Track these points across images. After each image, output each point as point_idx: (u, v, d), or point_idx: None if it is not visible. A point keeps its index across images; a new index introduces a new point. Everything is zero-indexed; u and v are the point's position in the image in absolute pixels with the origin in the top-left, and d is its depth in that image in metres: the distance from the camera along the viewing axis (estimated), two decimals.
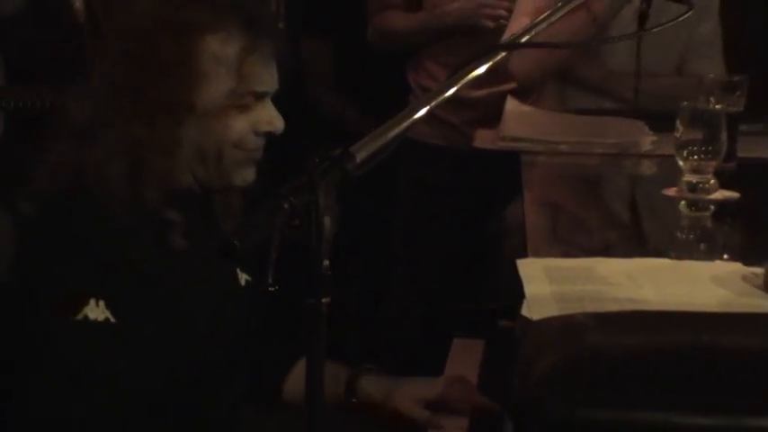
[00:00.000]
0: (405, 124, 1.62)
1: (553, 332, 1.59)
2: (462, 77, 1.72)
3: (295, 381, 2.38)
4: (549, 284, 1.86)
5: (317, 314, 1.44)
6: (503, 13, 3.73)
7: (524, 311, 1.76)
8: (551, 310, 1.72)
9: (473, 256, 3.41)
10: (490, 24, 3.75)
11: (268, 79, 2.15)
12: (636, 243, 2.36)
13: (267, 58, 2.13)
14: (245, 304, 2.28)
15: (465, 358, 2.56)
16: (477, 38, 3.70)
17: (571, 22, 3.18)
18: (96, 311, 2.01)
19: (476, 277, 2.79)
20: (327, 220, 1.44)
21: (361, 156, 1.53)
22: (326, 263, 1.44)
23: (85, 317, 2.00)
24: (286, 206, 1.43)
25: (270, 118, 2.15)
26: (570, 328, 1.59)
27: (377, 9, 4.07)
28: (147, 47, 2.07)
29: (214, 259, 2.10)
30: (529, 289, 1.84)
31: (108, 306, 2.01)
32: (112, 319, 2.02)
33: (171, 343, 2.10)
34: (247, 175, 2.16)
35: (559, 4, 1.92)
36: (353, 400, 2.33)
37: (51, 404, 2.03)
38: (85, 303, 2.00)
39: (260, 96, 2.14)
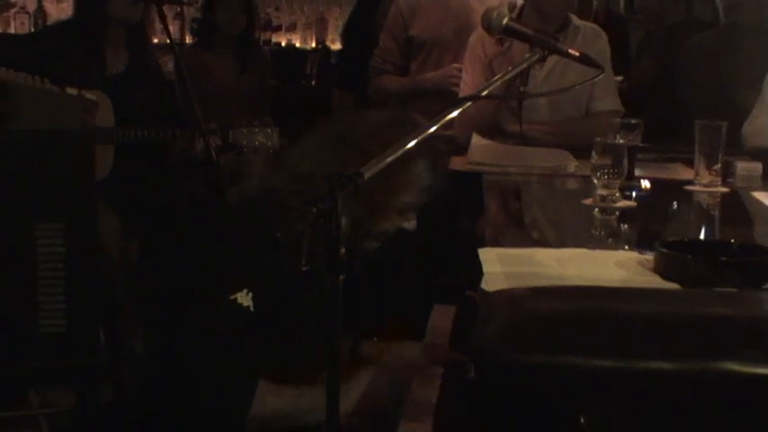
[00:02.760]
0: (398, 153, 1.63)
1: (503, 300, 1.60)
2: (439, 120, 1.72)
3: None
4: (501, 266, 1.87)
5: (335, 287, 1.45)
6: None
7: (483, 285, 1.77)
8: (502, 285, 1.73)
9: (448, 246, 3.42)
10: (456, 90, 3.76)
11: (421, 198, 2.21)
12: (562, 238, 2.36)
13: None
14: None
15: (442, 319, 2.56)
16: (447, 96, 3.72)
17: (477, 109, 3.21)
18: (244, 299, 1.97)
19: (450, 261, 2.80)
20: (343, 220, 1.45)
21: (368, 174, 1.54)
22: (342, 250, 1.45)
23: (235, 299, 1.97)
24: (314, 210, 1.45)
25: (414, 226, 2.26)
26: (515, 298, 1.59)
27: (374, 74, 4.08)
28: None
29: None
30: (486, 269, 1.85)
31: (253, 298, 1.98)
32: (252, 308, 1.99)
33: (277, 331, 2.06)
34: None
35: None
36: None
37: (185, 344, 2.01)
38: (240, 289, 1.98)
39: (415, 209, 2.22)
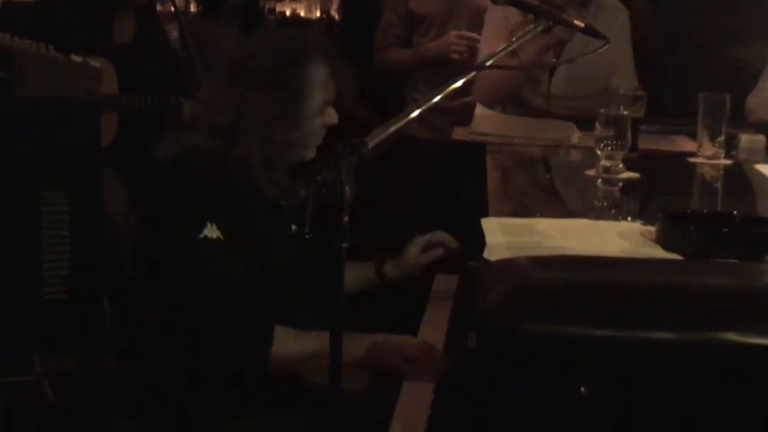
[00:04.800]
0: (402, 122, 1.63)
1: (505, 269, 1.60)
2: (444, 90, 1.72)
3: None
4: (503, 236, 1.87)
5: (338, 254, 1.46)
6: (464, 49, 3.76)
7: (485, 255, 1.77)
8: (504, 254, 1.72)
9: (451, 215, 3.42)
10: (456, 57, 3.78)
11: (334, 91, 2.27)
12: (565, 208, 2.36)
13: (338, 77, 2.26)
14: (294, 246, 2.30)
15: (445, 288, 2.58)
16: (449, 65, 3.72)
17: (503, 74, 3.17)
18: (212, 231, 2.06)
19: (453, 230, 2.80)
20: (347, 189, 1.45)
21: (371, 143, 1.54)
22: (346, 218, 1.45)
23: (205, 236, 2.06)
24: (318, 178, 1.45)
25: (335, 117, 2.27)
26: (517, 267, 1.60)
27: (378, 49, 4.08)
28: (275, 76, 2.19)
29: (277, 212, 2.18)
30: (489, 239, 1.84)
31: (219, 228, 2.07)
32: (222, 238, 2.07)
33: (256, 259, 2.15)
34: (312, 154, 2.27)
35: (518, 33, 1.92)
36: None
37: (185, 299, 2.08)
38: (204, 225, 2.06)
39: (331, 103, 2.26)
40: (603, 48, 1.97)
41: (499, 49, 1.86)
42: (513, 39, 1.91)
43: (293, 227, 2.32)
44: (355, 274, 2.45)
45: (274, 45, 2.26)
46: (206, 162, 2.14)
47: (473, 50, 3.74)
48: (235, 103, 2.19)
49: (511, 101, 3.38)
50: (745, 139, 2.93)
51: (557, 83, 3.38)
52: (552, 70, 3.34)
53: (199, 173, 2.14)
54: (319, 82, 2.22)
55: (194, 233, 2.06)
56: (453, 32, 3.82)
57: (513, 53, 2.91)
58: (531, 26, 1.93)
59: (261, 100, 2.18)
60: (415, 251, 2.54)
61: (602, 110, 2.55)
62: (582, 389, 1.35)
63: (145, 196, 2.31)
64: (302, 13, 6.82)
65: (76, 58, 3.31)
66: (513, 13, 3.33)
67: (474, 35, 3.76)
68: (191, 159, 2.16)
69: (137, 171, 3.50)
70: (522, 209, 2.30)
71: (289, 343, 2.10)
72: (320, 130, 2.25)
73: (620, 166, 2.48)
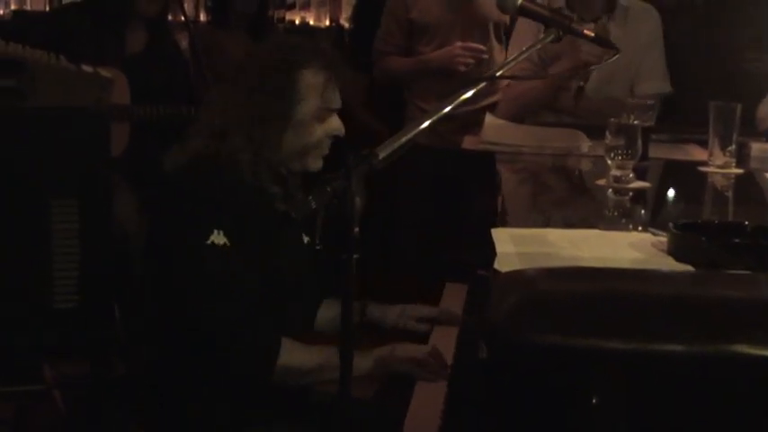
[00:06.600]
0: (413, 133, 1.62)
1: (516, 280, 1.59)
2: (455, 100, 1.71)
3: (323, 312, 2.45)
4: (514, 247, 1.87)
5: (349, 266, 1.45)
6: (470, 60, 3.73)
7: (496, 265, 1.77)
8: (515, 265, 1.72)
9: (461, 225, 3.41)
10: (462, 69, 3.73)
11: (338, 100, 2.24)
12: (576, 218, 2.35)
13: (338, 85, 2.23)
14: (304, 256, 2.30)
15: (454, 297, 2.56)
16: (452, 75, 3.71)
17: (534, 90, 3.27)
18: (219, 238, 2.08)
19: (463, 240, 2.79)
20: (357, 199, 1.45)
21: (382, 154, 1.53)
22: (356, 229, 1.45)
23: (212, 242, 2.07)
24: (329, 189, 1.44)
25: (339, 126, 2.24)
26: (528, 278, 1.59)
27: (378, 56, 4.05)
28: (264, 78, 2.18)
29: (288, 223, 2.17)
30: (499, 249, 1.84)
31: (226, 235, 2.08)
32: (228, 244, 2.08)
33: (265, 268, 2.16)
34: (318, 164, 2.24)
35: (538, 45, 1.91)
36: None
37: (192, 304, 2.11)
38: (211, 232, 2.07)
39: (333, 111, 2.23)
40: (615, 57, 1.95)
41: (510, 59, 1.85)
42: (524, 48, 1.90)
43: (305, 238, 2.32)
44: (336, 312, 2.43)
45: (265, 50, 2.27)
46: (208, 168, 2.16)
47: (479, 61, 3.73)
48: (224, 104, 2.21)
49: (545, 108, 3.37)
50: (756, 147, 2.92)
51: (588, 86, 3.37)
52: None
53: (202, 179, 2.15)
54: (312, 88, 2.19)
55: (202, 239, 2.08)
56: (459, 44, 3.78)
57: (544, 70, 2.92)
58: (542, 36, 1.92)
59: (248, 101, 2.18)
60: (396, 319, 2.43)
61: (612, 119, 2.55)
62: (594, 401, 1.35)
63: (154, 203, 2.32)
64: (311, 22, 6.83)
65: (87, 69, 3.32)
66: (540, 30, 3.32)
67: (479, 46, 3.74)
68: (194, 167, 2.18)
69: (147, 180, 3.53)
70: (532, 219, 2.29)
71: (294, 355, 2.11)
72: (323, 139, 2.22)
73: (631, 175, 2.47)
